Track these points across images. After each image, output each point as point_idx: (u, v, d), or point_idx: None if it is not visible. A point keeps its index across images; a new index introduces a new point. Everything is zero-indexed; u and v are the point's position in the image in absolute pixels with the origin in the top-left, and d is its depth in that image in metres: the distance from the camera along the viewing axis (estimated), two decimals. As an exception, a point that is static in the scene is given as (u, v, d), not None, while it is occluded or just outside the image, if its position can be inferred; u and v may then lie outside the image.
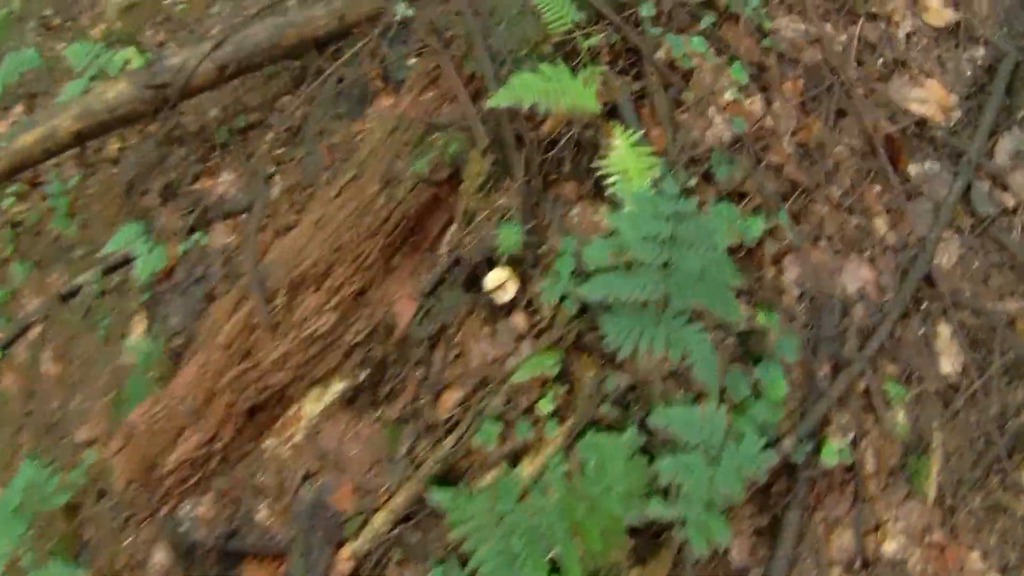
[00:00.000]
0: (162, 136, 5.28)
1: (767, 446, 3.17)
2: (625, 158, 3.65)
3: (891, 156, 4.05)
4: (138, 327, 4.53)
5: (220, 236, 4.63)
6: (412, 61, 4.53)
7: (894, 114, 4.18)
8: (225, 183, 4.83)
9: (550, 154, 3.82)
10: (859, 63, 4.41)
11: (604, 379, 3.40)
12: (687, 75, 4.15)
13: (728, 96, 4.13)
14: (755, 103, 4.18)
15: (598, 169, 3.76)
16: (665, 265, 3.12)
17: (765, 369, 3.56)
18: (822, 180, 3.93)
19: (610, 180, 3.64)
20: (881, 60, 4.37)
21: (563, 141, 3.82)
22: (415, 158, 3.80)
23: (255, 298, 3.72)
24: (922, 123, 4.15)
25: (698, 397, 3.60)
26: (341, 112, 4.64)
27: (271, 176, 4.62)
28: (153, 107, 4.77)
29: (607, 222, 3.83)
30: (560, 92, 3.59)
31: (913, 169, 4.08)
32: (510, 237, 3.58)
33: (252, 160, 4.81)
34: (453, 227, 3.79)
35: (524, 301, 3.65)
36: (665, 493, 3.05)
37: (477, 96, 4.05)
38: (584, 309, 3.71)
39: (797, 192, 4.03)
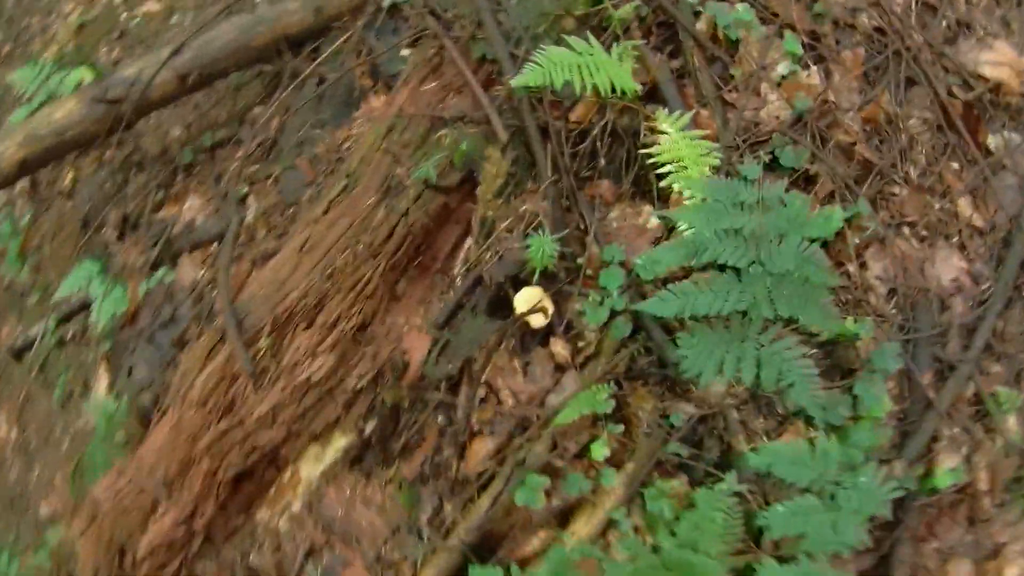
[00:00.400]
0: (120, 163, 4.84)
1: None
2: (677, 145, 3.08)
3: (968, 127, 3.58)
4: (101, 383, 4.06)
5: (189, 271, 4.08)
6: (406, 52, 3.94)
7: (965, 80, 3.72)
8: (192, 209, 4.30)
9: (581, 147, 3.32)
10: (921, 26, 3.91)
11: (667, 413, 2.93)
12: (732, 49, 3.60)
13: (781, 70, 3.57)
14: (812, 77, 3.61)
15: (638, 163, 3.25)
16: (751, 266, 2.44)
17: (865, 383, 2.98)
18: (897, 159, 3.51)
19: (662, 172, 3.09)
20: (944, 22, 3.96)
21: (595, 131, 3.31)
22: (418, 161, 3.30)
23: (233, 341, 3.08)
24: (996, 89, 3.70)
25: (782, 423, 3.00)
26: (323, 118, 4.10)
27: (244, 198, 4.09)
28: (107, 127, 4.24)
29: (653, 223, 3.30)
30: (594, 69, 2.94)
31: (992, 141, 3.61)
32: (540, 249, 3.03)
33: (222, 182, 4.30)
34: (469, 241, 3.31)
35: (562, 325, 3.16)
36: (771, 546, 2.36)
37: (489, 84, 3.46)
38: (636, 330, 3.11)
39: (871, 174, 3.48)
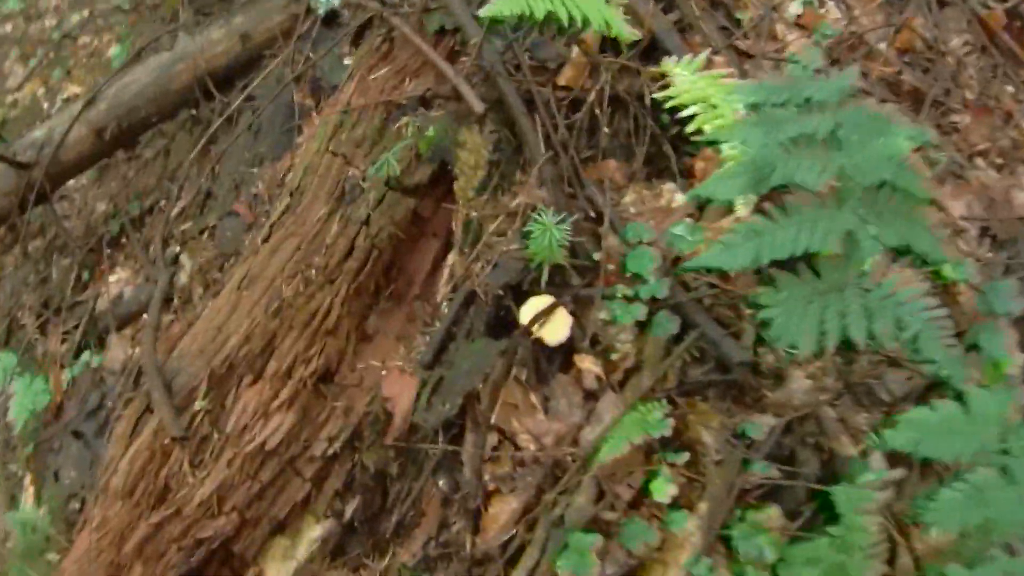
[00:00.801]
0: (43, 251, 4.36)
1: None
2: (697, 85, 2.54)
3: (1016, 39, 3.25)
4: (28, 492, 3.50)
5: (118, 350, 3.55)
6: (349, 61, 3.40)
7: None
8: (120, 282, 3.83)
9: (576, 119, 2.77)
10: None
11: (740, 428, 2.33)
12: None
13: (794, 8, 3.12)
14: (831, 10, 3.18)
15: (649, 133, 2.75)
16: (835, 186, 1.88)
17: (988, 332, 2.39)
18: (949, 86, 3.08)
19: (685, 115, 2.56)
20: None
21: (590, 98, 2.77)
22: (375, 159, 2.71)
23: (160, 407, 2.43)
24: (1032, -2, 3.28)
25: (889, 411, 2.38)
26: (261, 153, 3.59)
27: (176, 258, 3.62)
28: (18, 199, 3.82)
29: (679, 201, 2.71)
30: (578, 3, 2.25)
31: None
32: (546, 238, 2.43)
33: (151, 246, 3.80)
34: (452, 256, 2.77)
35: (587, 337, 2.52)
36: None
37: (452, 58, 2.87)
38: (682, 330, 2.46)
39: (925, 105, 3.01)
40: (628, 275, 2.51)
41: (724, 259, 1.89)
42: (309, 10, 3.65)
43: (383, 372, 2.63)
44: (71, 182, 4.34)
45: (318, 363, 2.55)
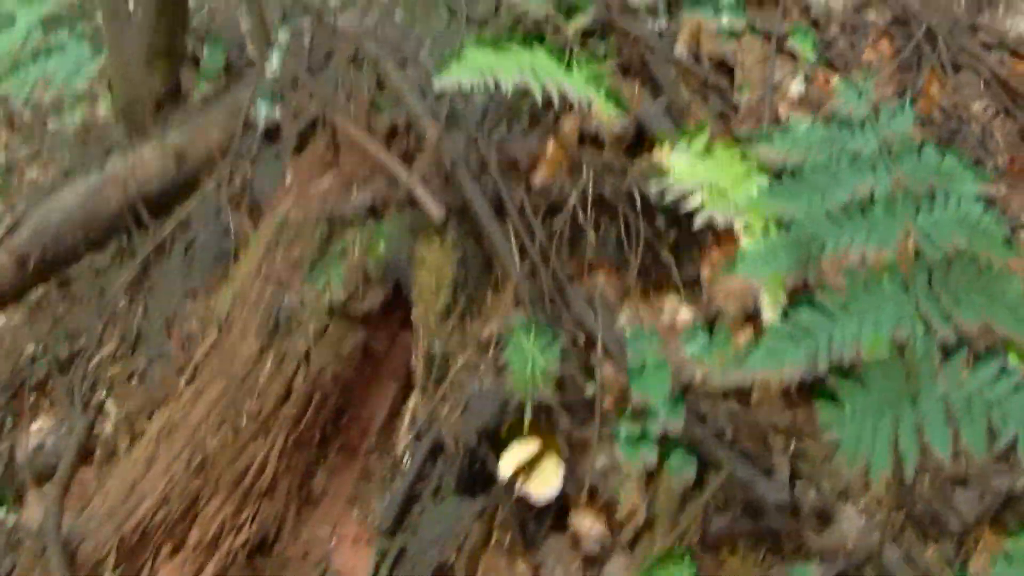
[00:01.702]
0: None
1: None
2: (700, 168, 2.29)
3: None
4: None
5: (36, 508, 3.18)
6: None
7: (1014, 51, 3.23)
8: (41, 432, 3.51)
9: (555, 225, 2.50)
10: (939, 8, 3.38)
11: None
12: (725, 73, 2.85)
13: (797, 87, 2.84)
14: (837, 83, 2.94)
15: (642, 240, 2.47)
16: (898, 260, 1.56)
17: None
18: (979, 152, 2.91)
19: (689, 203, 2.29)
20: (963, -3, 3.55)
21: (570, 200, 2.48)
22: (315, 280, 2.47)
23: None
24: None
25: (963, 540, 2.11)
26: (195, 285, 3.27)
27: (101, 405, 3.28)
28: None
29: (684, 317, 2.42)
30: (549, 71, 1.97)
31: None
32: (528, 377, 2.19)
33: (77, 392, 3.45)
34: (415, 395, 2.49)
35: (584, 488, 2.19)
36: None
37: (407, 158, 2.57)
38: (703, 468, 2.16)
39: None
40: (631, 408, 2.18)
41: (769, 365, 1.54)
42: (247, 124, 3.37)
43: (333, 542, 2.39)
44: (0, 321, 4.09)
45: (251, 531, 2.34)
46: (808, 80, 2.87)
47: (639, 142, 2.63)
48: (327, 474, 2.48)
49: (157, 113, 3.73)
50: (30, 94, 4.85)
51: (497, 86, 1.99)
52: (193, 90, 3.85)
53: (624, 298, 2.51)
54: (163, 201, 3.60)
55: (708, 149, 2.33)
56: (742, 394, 2.27)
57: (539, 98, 2.06)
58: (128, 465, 2.47)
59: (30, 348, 3.94)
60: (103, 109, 4.48)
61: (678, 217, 2.46)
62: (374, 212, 2.52)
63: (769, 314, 2.25)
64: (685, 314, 2.41)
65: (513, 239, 2.42)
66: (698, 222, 2.28)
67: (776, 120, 2.76)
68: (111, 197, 3.56)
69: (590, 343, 2.33)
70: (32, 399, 3.67)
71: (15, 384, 3.75)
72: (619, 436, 2.15)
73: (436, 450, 2.35)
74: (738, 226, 2.28)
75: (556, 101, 2.10)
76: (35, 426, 3.52)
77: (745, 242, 2.27)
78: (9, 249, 3.54)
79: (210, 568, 2.26)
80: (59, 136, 5.18)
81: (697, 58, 2.85)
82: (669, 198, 2.32)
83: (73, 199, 3.59)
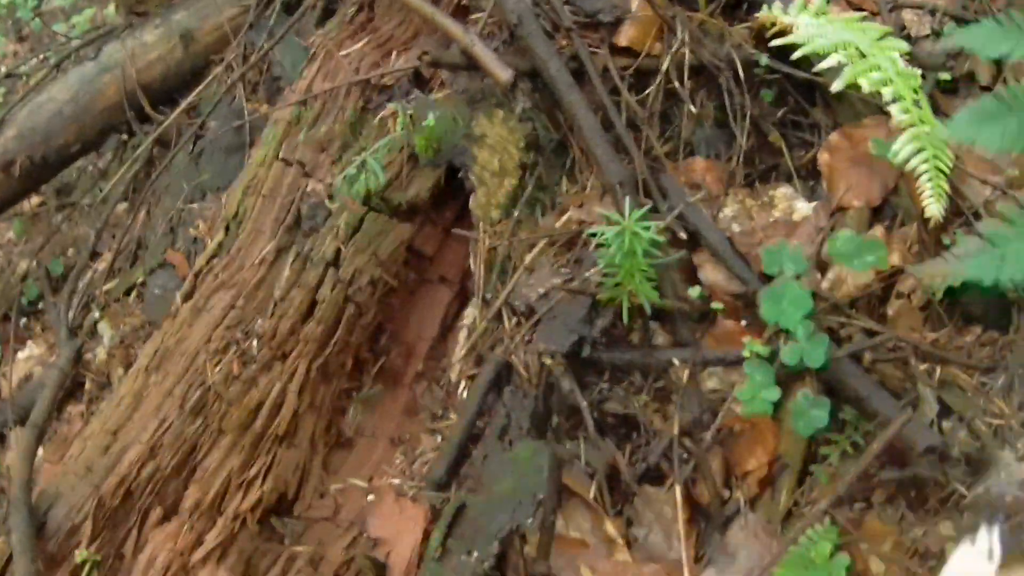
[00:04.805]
0: None
1: None
2: (828, 30, 1.89)
3: None
4: None
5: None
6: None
7: None
8: (30, 361, 3.35)
9: (644, 96, 2.17)
10: None
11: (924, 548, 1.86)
12: None
13: None
14: None
15: (748, 117, 2.20)
16: None
17: None
18: None
19: (822, 67, 1.88)
20: None
21: (663, 67, 2.15)
22: (347, 163, 2.11)
23: (19, 564, 1.89)
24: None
25: None
26: (204, 183, 3.08)
27: (94, 327, 3.08)
28: None
29: (801, 212, 2.18)
30: None
31: None
32: (625, 268, 1.83)
33: (66, 312, 3.24)
34: (472, 307, 2.19)
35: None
36: None
37: (461, 14, 2.24)
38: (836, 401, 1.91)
39: None
40: (748, 326, 1.90)
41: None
42: (266, -5, 3.21)
43: (370, 498, 2.07)
44: (-7, 238, 4.04)
45: (264, 488, 1.98)
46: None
47: (737, 3, 2.33)
48: (362, 410, 2.20)
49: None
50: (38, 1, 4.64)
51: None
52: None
53: (728, 188, 2.22)
54: (168, 89, 3.45)
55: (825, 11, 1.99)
56: (872, 307, 2.01)
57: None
58: (111, 405, 2.13)
59: (23, 265, 3.78)
60: (112, 10, 4.18)
61: (786, 92, 2.22)
62: (420, 80, 2.18)
63: (933, 208, 1.89)
64: (802, 208, 2.13)
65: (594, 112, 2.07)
66: (837, 85, 1.89)
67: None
68: (107, 88, 3.38)
69: (693, 241, 2.02)
70: (24, 323, 3.51)
71: (5, 307, 3.62)
72: (747, 354, 1.83)
73: (502, 377, 2.07)
74: (887, 94, 1.91)
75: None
76: (23, 354, 3.36)
77: (898, 113, 1.88)
78: (-9, 155, 3.32)
79: (211, 536, 1.94)
80: (66, 43, 5.08)
81: None
82: (797, 55, 1.94)
83: (64, 93, 3.42)
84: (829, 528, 1.81)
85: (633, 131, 2.18)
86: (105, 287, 3.20)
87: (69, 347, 2.84)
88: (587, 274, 1.97)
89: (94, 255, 3.48)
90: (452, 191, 2.21)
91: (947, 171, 1.85)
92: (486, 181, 2.10)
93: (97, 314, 3.08)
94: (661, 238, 1.89)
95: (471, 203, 2.15)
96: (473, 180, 2.13)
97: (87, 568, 1.97)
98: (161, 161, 3.25)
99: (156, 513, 2.01)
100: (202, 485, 1.99)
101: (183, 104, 3.25)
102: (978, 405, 1.95)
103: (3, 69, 5.17)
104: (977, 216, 2.03)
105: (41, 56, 4.99)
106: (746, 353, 1.85)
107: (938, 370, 1.97)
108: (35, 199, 3.93)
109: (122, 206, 3.51)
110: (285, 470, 2.02)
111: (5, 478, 2.54)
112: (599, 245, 1.90)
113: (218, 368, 2.05)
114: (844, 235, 1.95)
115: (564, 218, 2.09)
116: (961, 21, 2.36)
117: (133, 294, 3.07)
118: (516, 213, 2.10)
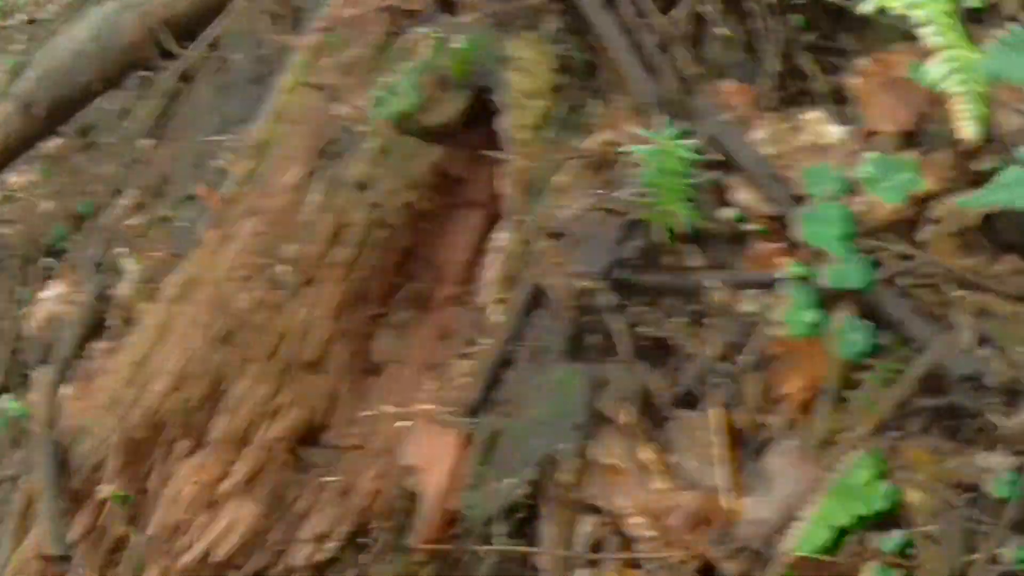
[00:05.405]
0: None
1: None
2: None
3: None
4: None
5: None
6: None
7: None
8: (56, 300, 3.39)
9: (672, 16, 2.19)
10: None
11: (966, 480, 1.77)
12: None
13: None
14: None
15: (776, 37, 2.17)
16: None
17: None
18: None
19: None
20: None
21: None
22: (375, 86, 2.13)
23: (43, 500, 1.95)
24: None
25: None
26: (230, 113, 3.15)
27: (118, 263, 3.17)
28: None
29: (832, 136, 2.16)
30: None
31: None
32: (664, 184, 1.86)
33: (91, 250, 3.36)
34: (505, 228, 2.18)
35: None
36: None
37: None
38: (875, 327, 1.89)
39: None
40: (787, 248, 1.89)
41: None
42: (297, -79, 3.23)
43: (401, 424, 2.06)
44: (16, 179, 4.06)
45: (292, 417, 2.03)
46: None
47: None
48: (392, 336, 2.20)
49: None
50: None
51: None
52: None
53: (757, 111, 2.16)
54: (190, 25, 3.50)
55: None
56: (905, 233, 1.94)
57: None
58: (136, 337, 2.16)
59: (47, 205, 3.86)
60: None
61: (817, 17, 2.17)
62: (446, 4, 2.18)
63: (970, 129, 1.87)
64: (833, 132, 2.08)
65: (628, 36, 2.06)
66: (868, 7, 1.90)
67: None
68: (129, 24, 3.43)
69: (725, 164, 2.00)
70: (49, 264, 3.59)
71: (29, 247, 3.71)
72: (789, 277, 1.82)
73: (536, 300, 2.04)
74: (919, 16, 1.84)
75: None
76: (45, 293, 3.42)
77: (932, 36, 1.88)
78: (14, 97, 3.47)
79: (240, 468, 1.98)
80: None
81: None
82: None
83: (85, 32, 3.49)
84: (870, 455, 1.80)
85: (666, 50, 2.13)
86: (130, 222, 3.24)
87: (94, 282, 2.93)
88: (620, 194, 1.93)
89: (118, 192, 3.50)
90: (483, 113, 2.16)
91: (982, 94, 1.84)
92: (518, 103, 2.08)
93: (122, 249, 3.13)
94: (698, 156, 1.87)
95: (503, 124, 2.12)
96: (505, 102, 2.11)
97: (112, 502, 2.03)
98: (185, 96, 3.34)
99: (182, 445, 2.06)
100: (229, 415, 2.02)
101: (206, 37, 3.27)
102: (1015, 334, 1.98)
103: (24, 17, 5.30)
104: (1012, 143, 2.03)
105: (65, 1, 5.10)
106: (787, 274, 1.82)
107: (974, 297, 1.89)
108: (58, 140, 3.95)
109: (146, 142, 3.52)
110: (314, 398, 2.05)
111: (31, 416, 2.56)
112: (634, 165, 1.87)
113: (245, 295, 2.08)
114: (877, 159, 1.91)
115: (597, 138, 2.07)
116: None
117: (159, 228, 3.14)
118: (548, 134, 2.10)
